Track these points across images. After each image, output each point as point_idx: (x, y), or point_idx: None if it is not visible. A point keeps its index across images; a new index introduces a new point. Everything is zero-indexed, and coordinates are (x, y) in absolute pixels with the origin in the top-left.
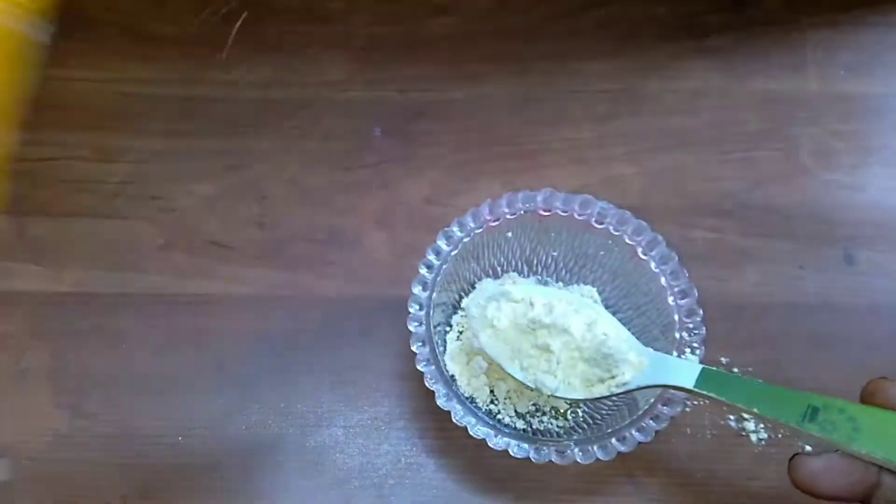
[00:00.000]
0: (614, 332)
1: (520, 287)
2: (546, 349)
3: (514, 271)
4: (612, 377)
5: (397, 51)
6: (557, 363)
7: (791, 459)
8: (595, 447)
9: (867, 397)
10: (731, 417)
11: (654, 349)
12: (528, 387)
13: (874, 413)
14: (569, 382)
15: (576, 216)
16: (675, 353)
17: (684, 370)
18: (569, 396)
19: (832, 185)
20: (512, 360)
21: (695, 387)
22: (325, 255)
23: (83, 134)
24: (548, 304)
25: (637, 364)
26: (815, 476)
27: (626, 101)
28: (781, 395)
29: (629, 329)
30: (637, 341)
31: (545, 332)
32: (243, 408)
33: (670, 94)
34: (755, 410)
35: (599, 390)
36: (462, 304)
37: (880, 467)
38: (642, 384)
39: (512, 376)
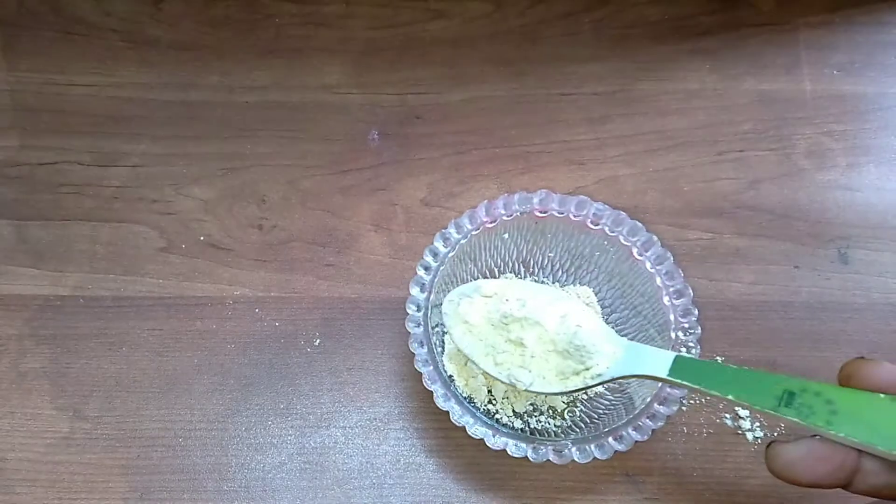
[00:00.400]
0: (588, 323)
1: (492, 282)
2: (519, 343)
3: (510, 272)
4: (587, 369)
5: (394, 54)
6: (531, 357)
7: (767, 448)
8: (592, 446)
9: (844, 380)
10: (728, 416)
11: None
12: (501, 382)
13: (852, 395)
14: (543, 376)
15: (572, 217)
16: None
17: (658, 359)
18: (543, 391)
19: (826, 184)
20: (486, 355)
21: (669, 375)
22: (323, 256)
23: (82, 138)
24: (521, 298)
25: (611, 354)
26: (793, 464)
27: (621, 103)
28: (757, 379)
29: (625, 329)
30: (613, 332)
31: (518, 325)
32: (243, 409)
33: (665, 95)
34: (729, 397)
35: (574, 383)
36: None
37: (860, 451)
38: (616, 375)
39: (486, 372)
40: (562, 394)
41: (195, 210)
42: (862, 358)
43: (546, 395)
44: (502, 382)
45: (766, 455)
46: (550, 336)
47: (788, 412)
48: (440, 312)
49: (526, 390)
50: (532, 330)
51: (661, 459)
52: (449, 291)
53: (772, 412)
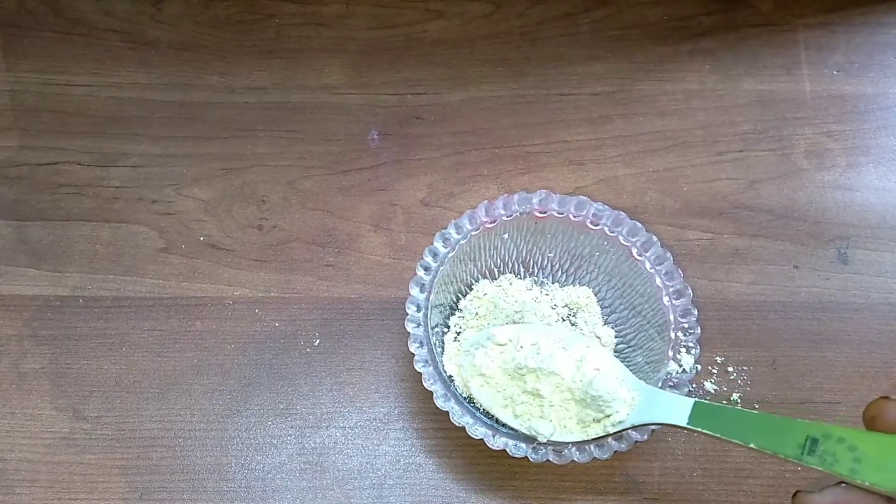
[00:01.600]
0: (606, 367)
1: (505, 329)
2: (536, 394)
3: (510, 273)
4: (607, 416)
5: (394, 55)
6: (550, 406)
7: (794, 498)
8: (592, 446)
9: (869, 422)
10: None
11: (650, 349)
12: (524, 434)
13: (877, 440)
14: (564, 425)
15: (571, 217)
16: (670, 353)
17: (677, 406)
18: (565, 440)
19: (825, 184)
20: (504, 407)
21: (689, 422)
22: (323, 257)
23: (82, 138)
24: (535, 344)
25: (629, 401)
26: None
27: (620, 104)
28: (778, 426)
29: (625, 329)
30: (630, 374)
31: (533, 376)
32: (243, 409)
33: (664, 95)
34: (751, 445)
35: (595, 430)
36: (460, 306)
37: (889, 498)
38: (636, 422)
39: (508, 425)
40: (584, 442)
41: (195, 210)
42: (886, 398)
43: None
44: (524, 434)
45: None
46: (567, 385)
47: (812, 460)
48: (439, 313)
49: (548, 441)
50: (548, 380)
51: (661, 459)
52: (448, 292)
53: (795, 460)
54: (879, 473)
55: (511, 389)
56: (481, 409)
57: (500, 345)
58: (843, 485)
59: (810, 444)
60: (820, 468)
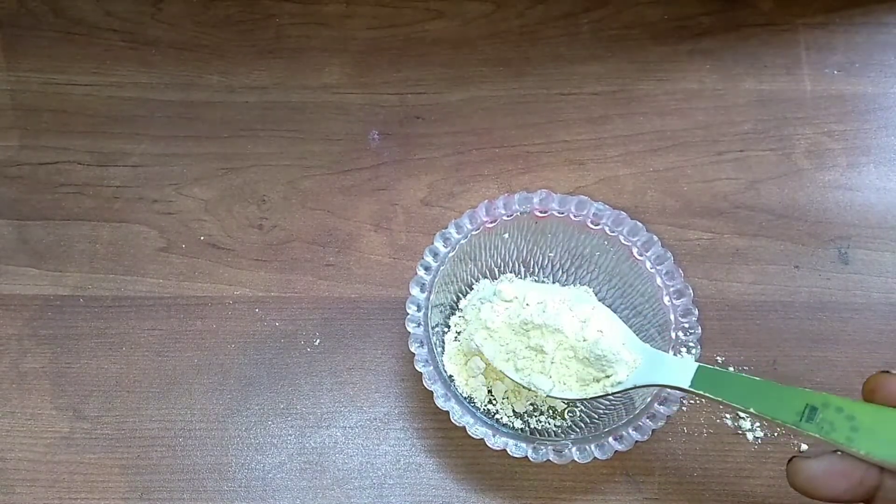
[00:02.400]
0: (610, 329)
1: (513, 285)
2: (539, 350)
3: (510, 272)
4: (608, 376)
5: (394, 54)
6: (552, 363)
7: (789, 463)
8: (592, 446)
9: (868, 395)
10: (727, 416)
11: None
12: (523, 387)
13: (874, 411)
14: (563, 382)
15: (572, 217)
16: (671, 353)
17: (680, 368)
18: (563, 396)
19: (826, 184)
20: (507, 360)
21: (691, 385)
22: (323, 256)
23: (82, 138)
24: (541, 302)
25: (632, 363)
26: (813, 480)
27: (620, 103)
28: (778, 392)
29: None
30: (634, 336)
31: (538, 332)
32: (243, 408)
33: (664, 95)
34: (751, 410)
35: (595, 390)
36: (460, 305)
37: (882, 468)
38: (637, 383)
39: (508, 377)
40: (582, 400)
41: (195, 210)
42: (887, 372)
43: (565, 400)
44: (523, 387)
45: (788, 470)
46: (570, 343)
47: (809, 427)
48: (440, 313)
49: (548, 396)
50: (552, 336)
51: (661, 459)
52: (449, 291)
53: (792, 427)
54: (874, 443)
55: (514, 344)
56: (483, 406)
57: (507, 301)
58: (839, 453)
59: (809, 411)
60: (817, 435)
